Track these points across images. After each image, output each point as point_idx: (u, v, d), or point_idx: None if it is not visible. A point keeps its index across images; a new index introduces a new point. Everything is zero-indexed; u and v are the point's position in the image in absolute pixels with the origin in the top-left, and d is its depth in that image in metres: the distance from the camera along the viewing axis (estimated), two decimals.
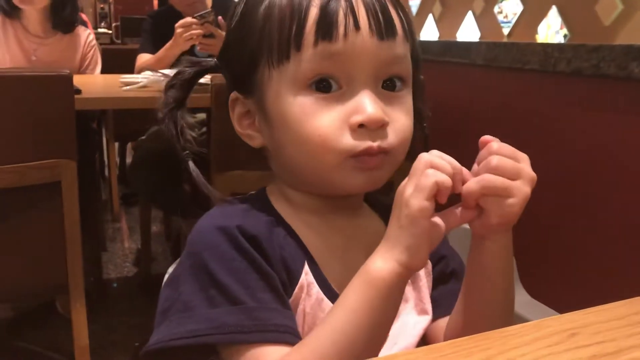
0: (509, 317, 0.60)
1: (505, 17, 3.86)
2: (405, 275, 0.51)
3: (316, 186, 0.62)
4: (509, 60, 1.64)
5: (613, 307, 0.50)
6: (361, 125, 0.56)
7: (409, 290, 0.65)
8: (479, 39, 2.06)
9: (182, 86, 0.67)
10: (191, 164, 0.65)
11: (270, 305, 0.55)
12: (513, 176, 0.51)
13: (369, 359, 0.47)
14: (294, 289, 0.59)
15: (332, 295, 0.60)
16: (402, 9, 0.61)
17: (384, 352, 0.61)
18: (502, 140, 0.56)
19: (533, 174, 0.53)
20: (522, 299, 0.90)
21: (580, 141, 1.45)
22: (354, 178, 0.58)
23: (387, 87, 0.59)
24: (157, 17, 2.61)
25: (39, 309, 2.13)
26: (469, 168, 0.54)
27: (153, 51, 2.31)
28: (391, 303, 0.52)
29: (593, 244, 1.38)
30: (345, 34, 0.56)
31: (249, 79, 0.61)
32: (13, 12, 2.21)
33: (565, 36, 1.71)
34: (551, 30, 3.17)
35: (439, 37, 2.35)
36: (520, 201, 0.51)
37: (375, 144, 0.57)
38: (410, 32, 0.61)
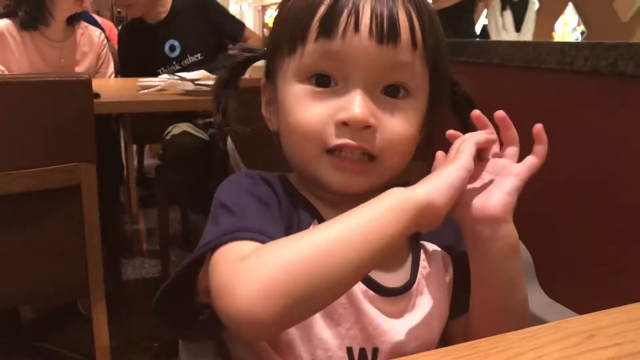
0: (515, 314, 0.60)
1: None
2: (419, 207, 0.50)
3: (309, 179, 0.63)
4: (525, 60, 1.62)
5: (632, 308, 0.50)
6: (345, 124, 0.57)
7: (428, 281, 0.65)
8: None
9: (232, 68, 0.70)
10: (229, 140, 0.68)
11: (262, 220, 0.56)
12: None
13: (335, 291, 0.48)
14: None
15: None
16: (422, 16, 0.60)
17: (403, 343, 0.61)
18: (519, 139, 0.57)
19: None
20: (540, 300, 0.89)
21: (598, 140, 1.44)
22: (332, 176, 0.59)
23: (389, 93, 0.60)
24: (122, 36, 2.68)
25: (60, 310, 2.16)
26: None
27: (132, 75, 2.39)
28: (390, 227, 0.49)
29: (612, 245, 1.36)
30: (344, 34, 0.57)
31: (272, 66, 0.65)
32: (32, 24, 2.22)
33: (582, 33, 1.70)
34: (568, 27, 3.14)
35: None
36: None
37: (355, 143, 0.57)
38: (426, 40, 0.60)
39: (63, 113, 1.36)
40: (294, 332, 0.58)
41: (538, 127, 0.56)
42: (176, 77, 1.96)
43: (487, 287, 0.59)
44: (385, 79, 0.59)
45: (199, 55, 2.50)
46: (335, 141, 0.58)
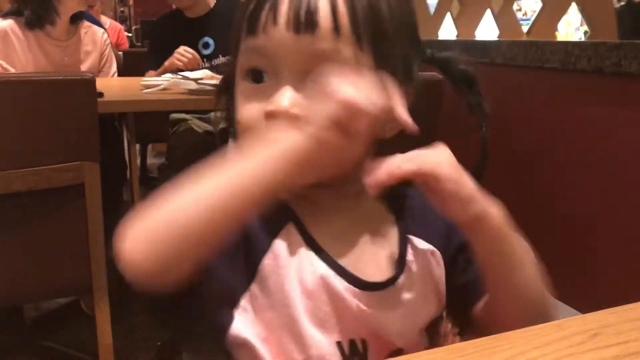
0: (527, 294, 0.59)
1: (525, 14, 3.82)
2: (307, 149, 0.50)
3: None
4: (529, 59, 1.62)
5: (636, 307, 0.50)
6: (274, 116, 0.57)
7: (414, 276, 0.65)
8: (498, 37, 2.05)
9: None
10: (231, 138, 0.69)
11: None
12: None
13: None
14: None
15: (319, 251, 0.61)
16: (359, 2, 0.58)
17: (394, 338, 0.61)
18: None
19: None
20: None
21: (601, 139, 1.44)
22: None
23: None
24: (159, 25, 2.67)
25: (63, 309, 2.16)
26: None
27: (157, 64, 2.40)
28: (272, 173, 0.49)
29: (616, 244, 1.36)
30: (265, 28, 0.57)
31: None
32: (38, 23, 2.22)
33: (585, 33, 1.70)
34: (571, 27, 3.14)
35: (457, 36, 2.34)
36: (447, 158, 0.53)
37: None
38: (358, 24, 0.58)
39: (67, 112, 1.36)
40: (283, 334, 0.59)
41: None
42: (179, 77, 1.96)
43: (487, 267, 0.59)
44: (312, 68, 0.57)
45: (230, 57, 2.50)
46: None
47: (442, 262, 0.68)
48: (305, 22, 0.56)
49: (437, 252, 0.67)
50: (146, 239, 0.50)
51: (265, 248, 0.60)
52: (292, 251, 0.60)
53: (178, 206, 0.50)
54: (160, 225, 0.50)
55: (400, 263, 0.65)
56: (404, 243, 0.66)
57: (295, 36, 0.57)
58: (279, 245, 0.60)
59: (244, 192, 0.50)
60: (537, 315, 0.58)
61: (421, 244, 0.67)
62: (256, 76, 0.60)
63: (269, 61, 0.59)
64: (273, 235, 0.60)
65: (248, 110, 0.60)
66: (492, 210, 0.55)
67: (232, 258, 0.58)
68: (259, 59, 0.59)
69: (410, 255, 0.66)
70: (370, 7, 0.59)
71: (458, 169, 0.54)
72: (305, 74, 0.58)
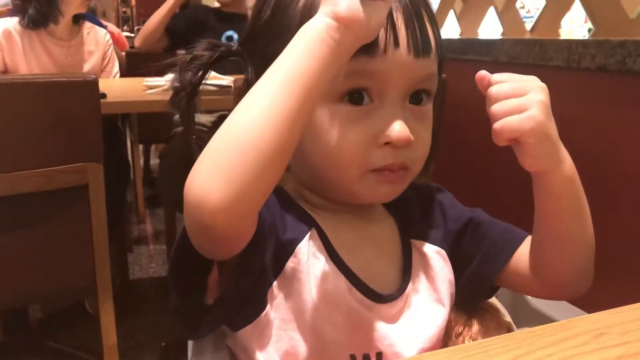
0: (587, 252, 0.61)
1: (528, 11, 3.81)
2: (335, 28, 0.49)
3: (337, 194, 0.63)
4: (533, 57, 1.62)
5: None
6: (388, 143, 0.57)
7: (421, 281, 0.66)
8: (501, 34, 2.04)
9: (199, 70, 0.65)
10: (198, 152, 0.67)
11: None
12: (519, 93, 0.53)
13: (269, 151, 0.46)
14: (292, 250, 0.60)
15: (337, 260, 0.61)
16: (436, 24, 0.62)
17: (406, 344, 0.61)
18: None
19: (541, 83, 0.54)
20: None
21: (606, 138, 1.43)
22: (375, 190, 0.60)
23: (413, 100, 0.60)
24: (193, 7, 2.69)
25: (68, 310, 2.17)
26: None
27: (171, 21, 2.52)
28: (316, 61, 0.48)
29: (621, 243, 1.36)
30: (385, 51, 0.56)
31: None
32: (42, 21, 2.23)
33: (589, 30, 1.69)
34: (575, 24, 3.12)
35: (460, 34, 2.34)
36: (538, 109, 0.52)
37: (397, 161, 0.58)
38: (438, 44, 0.61)
39: (70, 113, 1.36)
40: (299, 339, 0.59)
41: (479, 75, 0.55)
42: None
43: (550, 215, 0.59)
44: (414, 89, 0.60)
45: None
46: (381, 162, 0.58)
47: (447, 259, 0.68)
48: (423, 47, 0.58)
49: (442, 251, 0.68)
50: (218, 168, 0.46)
51: (289, 251, 0.60)
52: (313, 258, 0.60)
53: (243, 124, 0.47)
54: (230, 149, 0.46)
55: (406, 269, 0.65)
56: (408, 251, 0.66)
57: (415, 60, 0.57)
58: (302, 250, 0.60)
59: (300, 87, 0.48)
60: (585, 273, 0.61)
61: (425, 247, 0.68)
62: (355, 97, 0.58)
63: (377, 83, 0.57)
64: (297, 240, 0.60)
65: (352, 136, 0.57)
66: (565, 155, 0.56)
67: (265, 251, 0.57)
68: (367, 81, 0.57)
69: (415, 259, 0.66)
70: (438, 29, 0.62)
71: (543, 122, 0.53)
72: (407, 95, 0.59)
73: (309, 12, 0.56)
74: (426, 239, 0.68)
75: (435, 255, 0.68)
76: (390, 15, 0.55)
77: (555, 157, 0.55)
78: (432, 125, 0.62)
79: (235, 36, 2.50)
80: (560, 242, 0.60)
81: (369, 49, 0.55)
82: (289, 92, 0.47)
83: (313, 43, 0.48)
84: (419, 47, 0.57)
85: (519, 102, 0.52)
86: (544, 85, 0.54)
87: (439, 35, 0.62)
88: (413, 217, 0.69)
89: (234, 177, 0.46)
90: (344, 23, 0.49)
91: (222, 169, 0.46)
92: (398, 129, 0.57)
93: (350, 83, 0.57)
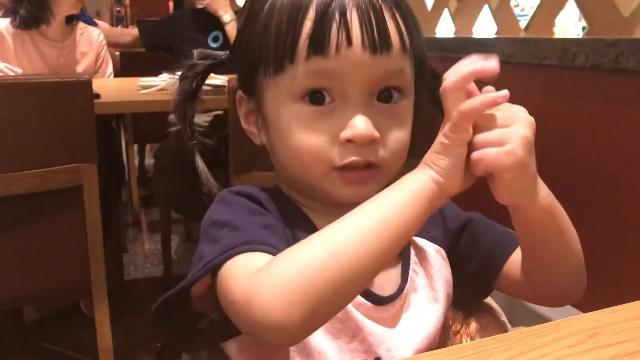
0: (574, 267, 0.60)
1: (522, 10, 3.81)
2: (436, 194, 0.50)
3: (313, 194, 0.63)
4: (527, 56, 1.62)
5: (634, 306, 0.50)
6: (350, 140, 0.57)
7: (419, 279, 0.65)
8: (496, 33, 2.05)
9: (195, 78, 0.68)
10: (197, 156, 0.67)
11: (263, 231, 0.56)
12: (504, 124, 0.50)
13: (355, 284, 0.47)
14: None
15: None
16: (406, 16, 0.59)
17: (403, 346, 0.61)
18: None
19: (529, 118, 0.51)
20: None
21: (599, 136, 1.44)
22: (341, 190, 0.59)
23: (383, 98, 0.59)
24: (177, 13, 2.71)
25: (63, 311, 2.16)
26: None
27: (150, 35, 2.58)
28: (409, 220, 0.49)
29: (615, 243, 1.36)
30: (337, 50, 0.55)
31: (251, 81, 0.62)
32: (34, 22, 2.22)
33: (583, 28, 1.69)
34: (569, 22, 3.13)
35: (455, 33, 2.34)
36: (519, 144, 0.49)
37: (360, 159, 0.57)
38: (413, 40, 0.60)
39: (64, 114, 1.36)
40: (292, 349, 0.58)
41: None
42: (177, 77, 1.95)
43: (529, 243, 0.59)
44: (379, 86, 0.59)
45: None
46: (343, 160, 0.57)
47: (446, 258, 0.68)
48: (380, 43, 0.56)
49: (442, 250, 0.68)
50: (290, 298, 0.46)
51: None
52: None
53: (324, 251, 0.47)
54: (308, 282, 0.46)
55: (405, 268, 0.65)
56: (407, 249, 0.66)
57: (372, 57, 0.56)
58: None
59: (390, 236, 0.49)
60: (576, 285, 0.61)
61: (424, 243, 0.67)
62: (317, 97, 0.57)
63: (336, 82, 0.57)
64: (294, 241, 0.60)
65: (315, 135, 0.57)
66: (541, 186, 0.54)
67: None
68: (325, 80, 0.57)
69: (413, 256, 0.66)
70: (414, 23, 0.60)
71: (522, 159, 0.49)
72: (372, 93, 0.58)
73: (267, 27, 0.58)
74: (425, 236, 0.68)
75: (434, 253, 0.67)
76: (343, 12, 0.55)
77: (529, 192, 0.52)
78: (409, 124, 0.61)
79: (221, 35, 2.50)
80: (545, 262, 0.59)
81: (322, 49, 0.55)
82: (385, 236, 0.48)
83: (416, 202, 0.50)
84: (376, 43, 0.56)
85: (501, 134, 0.50)
86: (531, 118, 0.51)
87: (413, 29, 0.60)
88: None
89: (307, 309, 0.46)
90: (445, 191, 0.51)
91: (295, 301, 0.46)
92: (357, 125, 0.56)
93: (309, 83, 0.57)
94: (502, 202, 0.53)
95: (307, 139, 0.57)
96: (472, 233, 0.69)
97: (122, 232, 2.75)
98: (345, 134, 0.56)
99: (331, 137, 0.57)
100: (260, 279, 0.48)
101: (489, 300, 0.72)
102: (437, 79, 0.67)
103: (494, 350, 0.43)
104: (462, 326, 0.72)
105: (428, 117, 0.66)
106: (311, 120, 0.58)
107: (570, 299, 0.63)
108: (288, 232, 0.61)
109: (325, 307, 0.47)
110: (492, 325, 0.70)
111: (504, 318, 0.71)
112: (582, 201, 1.44)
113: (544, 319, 0.49)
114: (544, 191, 0.54)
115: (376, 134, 0.57)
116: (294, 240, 0.59)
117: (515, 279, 0.64)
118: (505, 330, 0.69)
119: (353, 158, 0.57)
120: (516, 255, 0.65)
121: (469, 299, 0.71)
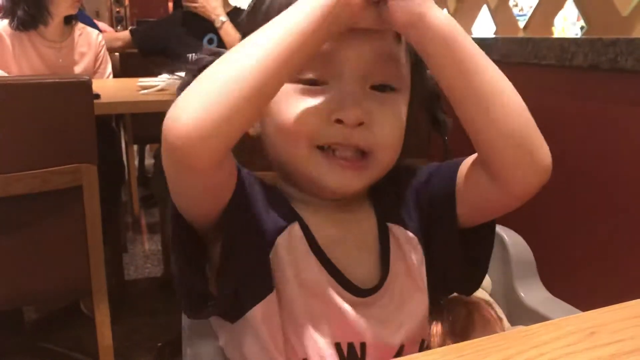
0: (510, 109, 0.58)
1: (521, 10, 3.81)
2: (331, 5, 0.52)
3: (299, 180, 0.63)
4: (525, 56, 1.62)
5: (632, 305, 0.50)
6: (340, 122, 0.57)
7: (399, 269, 0.65)
8: (495, 33, 2.05)
9: (198, 73, 0.68)
10: None
11: None
12: None
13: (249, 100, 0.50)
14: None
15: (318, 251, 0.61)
16: None
17: (392, 335, 0.62)
18: None
19: None
20: (542, 297, 0.89)
21: (598, 136, 1.44)
22: (326, 174, 0.59)
23: (376, 88, 0.60)
24: (170, 16, 2.70)
25: (63, 311, 2.16)
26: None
27: (142, 40, 2.59)
28: (312, 23, 0.52)
29: (613, 242, 1.37)
30: None
31: None
32: (31, 23, 2.22)
33: (582, 28, 1.69)
34: (568, 22, 3.12)
35: None
36: None
37: (350, 142, 0.58)
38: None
39: (64, 114, 1.36)
40: (288, 331, 0.59)
41: None
42: (176, 77, 1.96)
43: (445, 78, 0.57)
44: (374, 75, 0.59)
45: None
46: (329, 139, 0.58)
47: (419, 247, 0.67)
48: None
49: (415, 239, 0.67)
50: (198, 97, 0.50)
51: (271, 242, 0.60)
52: (294, 250, 0.61)
53: (234, 60, 0.51)
54: (214, 81, 0.50)
55: (384, 259, 0.65)
56: (384, 235, 0.66)
57: (364, 34, 0.57)
58: (282, 243, 0.61)
59: (290, 40, 0.51)
60: (524, 151, 0.57)
61: (400, 232, 0.67)
62: (309, 79, 0.59)
63: (331, 64, 0.58)
64: (278, 232, 0.61)
65: (304, 111, 0.58)
66: (435, 10, 0.54)
67: (249, 243, 0.59)
68: (319, 63, 0.58)
69: (393, 246, 0.66)
70: None
71: None
72: (365, 80, 0.59)
73: (268, 14, 0.58)
74: (400, 221, 0.67)
75: (410, 241, 0.67)
76: None
77: (421, 12, 0.53)
78: (403, 116, 0.62)
79: (215, 37, 2.50)
80: (470, 102, 0.57)
81: None
82: (282, 42, 0.51)
83: (317, 8, 0.52)
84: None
85: None
86: None
87: None
88: (389, 201, 0.68)
89: (210, 104, 0.49)
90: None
91: (201, 95, 0.50)
92: (348, 105, 0.57)
93: (304, 67, 0.57)
94: (399, 28, 0.55)
95: (294, 112, 0.58)
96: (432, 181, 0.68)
97: (122, 232, 2.75)
98: (336, 113, 0.57)
99: (319, 116, 0.58)
100: (176, 100, 0.52)
101: (489, 298, 0.73)
102: (437, 100, 0.67)
103: (492, 350, 0.43)
104: (444, 314, 0.73)
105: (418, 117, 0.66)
106: (302, 97, 0.58)
107: (530, 174, 0.59)
108: (270, 223, 0.61)
109: (222, 109, 0.49)
110: (491, 325, 0.71)
111: (503, 317, 0.71)
112: (581, 201, 1.44)
113: (542, 318, 0.49)
114: (440, 13, 0.54)
115: (365, 117, 0.57)
116: (274, 230, 0.60)
117: (474, 177, 0.62)
118: (504, 329, 0.69)
119: (340, 139, 0.58)
120: (463, 167, 0.64)
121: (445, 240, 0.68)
